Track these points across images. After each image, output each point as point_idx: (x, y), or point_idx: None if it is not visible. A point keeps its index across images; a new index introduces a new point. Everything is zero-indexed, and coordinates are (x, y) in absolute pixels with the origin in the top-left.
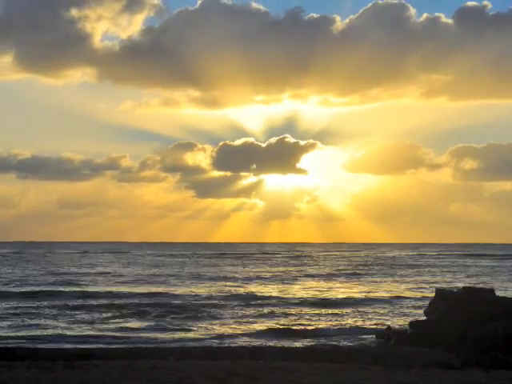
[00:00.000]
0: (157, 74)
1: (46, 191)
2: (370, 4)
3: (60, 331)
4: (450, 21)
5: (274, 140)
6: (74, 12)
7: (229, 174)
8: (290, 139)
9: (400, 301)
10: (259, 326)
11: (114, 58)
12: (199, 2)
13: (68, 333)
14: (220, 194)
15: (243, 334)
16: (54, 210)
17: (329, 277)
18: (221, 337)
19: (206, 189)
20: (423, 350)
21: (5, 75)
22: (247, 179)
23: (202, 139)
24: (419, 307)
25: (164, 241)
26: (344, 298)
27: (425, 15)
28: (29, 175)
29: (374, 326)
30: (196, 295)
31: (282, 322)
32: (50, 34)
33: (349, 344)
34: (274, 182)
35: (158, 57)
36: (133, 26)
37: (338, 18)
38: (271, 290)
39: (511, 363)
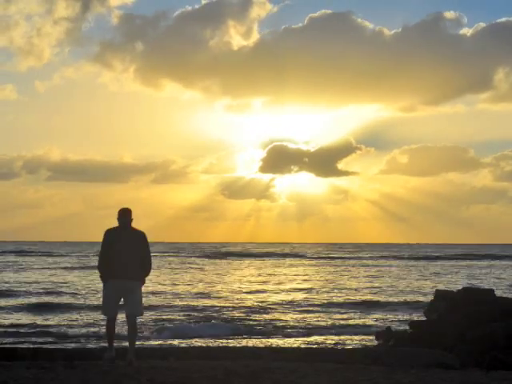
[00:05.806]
0: (234, 83)
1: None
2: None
3: None
4: None
5: (321, 143)
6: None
7: (270, 176)
8: (339, 142)
9: None
10: None
11: (200, 70)
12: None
13: None
14: (260, 196)
15: None
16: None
17: None
18: None
19: (246, 191)
20: (423, 350)
21: (119, 87)
22: (289, 181)
23: (261, 144)
24: None
25: (206, 241)
26: None
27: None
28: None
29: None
30: None
31: None
32: (149, 47)
33: (349, 344)
34: (317, 184)
35: (237, 67)
36: (222, 42)
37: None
38: None
39: (511, 364)
